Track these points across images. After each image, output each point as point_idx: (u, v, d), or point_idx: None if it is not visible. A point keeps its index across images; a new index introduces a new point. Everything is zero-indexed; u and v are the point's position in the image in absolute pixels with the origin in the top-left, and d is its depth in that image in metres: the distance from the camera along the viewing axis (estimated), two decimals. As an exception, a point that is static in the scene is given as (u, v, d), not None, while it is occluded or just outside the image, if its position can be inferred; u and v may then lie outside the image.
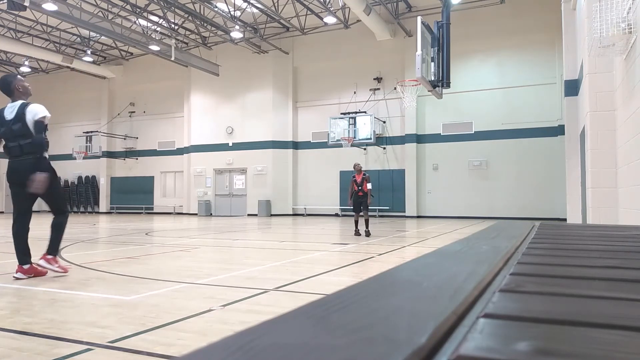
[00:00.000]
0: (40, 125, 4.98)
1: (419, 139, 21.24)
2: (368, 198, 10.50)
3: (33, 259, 5.06)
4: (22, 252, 4.97)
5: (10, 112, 5.02)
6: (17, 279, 4.89)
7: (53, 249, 5.13)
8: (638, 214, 5.81)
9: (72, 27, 22.62)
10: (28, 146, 4.94)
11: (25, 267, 4.96)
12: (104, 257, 7.11)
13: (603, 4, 5.92)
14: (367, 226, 10.69)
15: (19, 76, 5.30)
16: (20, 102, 5.08)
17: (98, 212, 27.98)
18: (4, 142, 5.07)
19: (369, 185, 10.52)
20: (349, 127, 21.22)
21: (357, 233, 10.66)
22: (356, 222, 10.79)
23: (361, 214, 10.59)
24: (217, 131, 24.85)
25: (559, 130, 17.97)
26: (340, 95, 22.95)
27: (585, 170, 8.84)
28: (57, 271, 5.10)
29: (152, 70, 26.52)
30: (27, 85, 5.25)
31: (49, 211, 5.27)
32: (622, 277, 0.87)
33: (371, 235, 10.60)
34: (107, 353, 2.64)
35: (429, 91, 11.93)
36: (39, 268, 5.03)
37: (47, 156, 5.08)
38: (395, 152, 21.91)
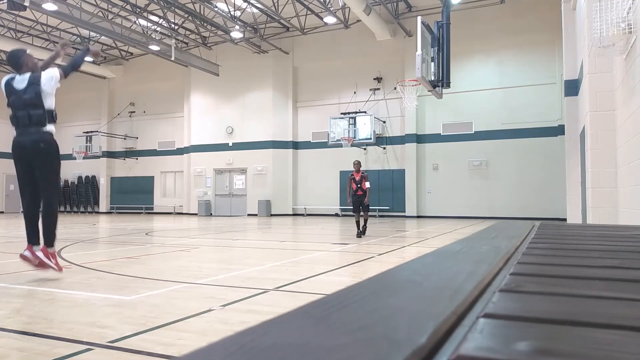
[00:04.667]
0: (68, 67, 5.24)
1: (419, 139, 21.24)
2: (367, 197, 10.37)
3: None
4: (32, 234, 4.95)
5: (20, 82, 5.04)
6: (24, 258, 4.84)
7: (50, 240, 5.02)
8: (638, 214, 5.81)
9: (72, 27, 22.62)
10: (37, 117, 4.94)
11: (35, 248, 4.91)
12: (104, 257, 7.10)
13: (603, 4, 5.92)
14: (364, 223, 10.51)
15: (28, 51, 5.32)
16: (29, 73, 5.09)
17: (98, 212, 27.97)
18: (11, 112, 5.06)
19: (367, 184, 10.36)
20: (349, 127, 21.21)
21: (359, 235, 10.38)
22: (357, 223, 10.52)
23: (361, 213, 10.47)
24: (217, 131, 24.85)
25: (559, 130, 17.97)
26: (340, 95, 22.95)
27: (585, 170, 8.83)
28: (52, 267, 4.99)
29: (152, 70, 26.52)
30: (35, 61, 5.27)
31: None
32: (622, 277, 0.87)
33: (365, 235, 10.45)
34: (107, 353, 2.64)
35: (429, 91, 11.93)
36: (44, 259, 4.96)
37: (55, 131, 5.09)
38: (395, 152, 21.91)
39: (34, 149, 4.92)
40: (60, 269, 5.12)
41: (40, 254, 4.95)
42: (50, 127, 5.01)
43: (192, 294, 4.34)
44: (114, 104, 28.33)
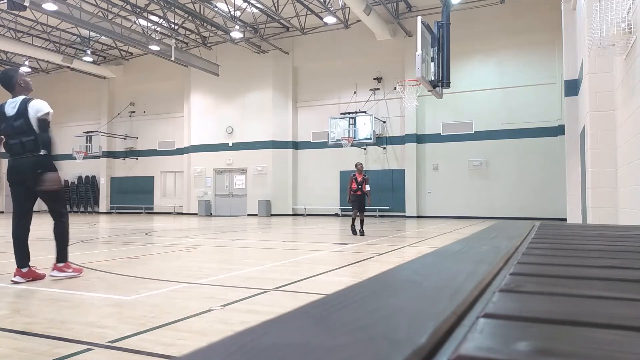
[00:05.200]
0: (45, 123, 4.88)
1: (419, 139, 21.24)
2: (368, 199, 10.74)
3: (35, 261, 5.03)
4: (21, 256, 4.84)
5: (11, 107, 4.88)
6: (16, 282, 4.73)
7: (62, 256, 4.98)
8: (638, 214, 5.81)
9: (72, 27, 22.62)
10: (30, 143, 4.83)
11: (24, 270, 4.82)
12: (104, 257, 7.11)
13: (603, 4, 5.92)
14: (362, 226, 10.85)
15: (20, 70, 5.19)
16: (21, 97, 4.95)
17: (98, 212, 27.97)
18: (4, 140, 4.94)
19: (368, 187, 10.75)
20: (349, 127, 21.22)
21: (354, 232, 10.77)
22: (353, 220, 10.89)
23: (358, 213, 10.74)
24: (217, 131, 24.85)
25: (559, 130, 17.97)
26: (340, 95, 22.95)
27: (585, 170, 8.83)
28: (72, 276, 4.99)
29: (152, 70, 26.52)
30: (28, 80, 5.11)
31: (47, 211, 5.19)
32: (622, 277, 0.87)
33: (365, 235, 10.69)
34: (107, 353, 2.64)
35: (429, 91, 11.93)
36: (37, 271, 4.91)
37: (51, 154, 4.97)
38: (395, 152, 21.91)
39: (33, 175, 4.83)
40: (79, 270, 5.13)
41: (55, 273, 4.93)
42: (43, 151, 4.91)
43: (192, 294, 4.34)
44: (114, 104, 28.33)
